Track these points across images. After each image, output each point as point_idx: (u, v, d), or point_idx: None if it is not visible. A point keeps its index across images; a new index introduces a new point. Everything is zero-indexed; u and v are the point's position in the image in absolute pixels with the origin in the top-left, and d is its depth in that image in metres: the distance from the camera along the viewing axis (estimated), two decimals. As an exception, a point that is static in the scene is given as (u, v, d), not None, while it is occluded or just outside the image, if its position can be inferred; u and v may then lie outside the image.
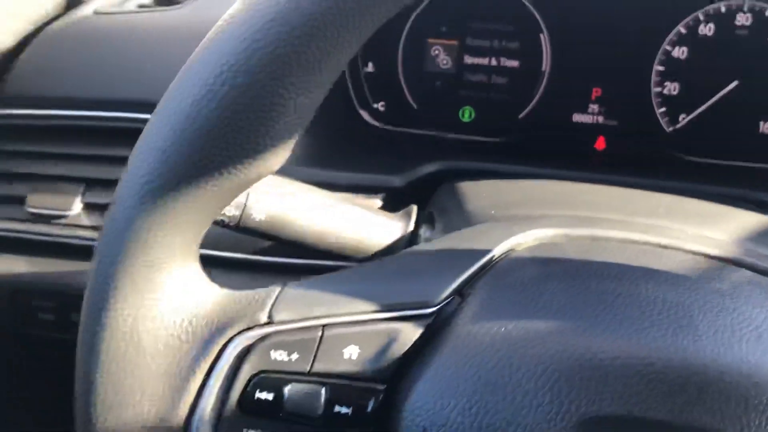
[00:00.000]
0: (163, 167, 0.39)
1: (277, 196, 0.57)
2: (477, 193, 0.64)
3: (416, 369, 0.42)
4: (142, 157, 0.39)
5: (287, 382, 0.42)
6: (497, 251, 0.47)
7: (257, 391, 0.42)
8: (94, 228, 0.71)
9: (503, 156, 0.77)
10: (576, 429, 0.38)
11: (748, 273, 0.46)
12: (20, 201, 0.72)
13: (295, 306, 0.43)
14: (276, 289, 0.44)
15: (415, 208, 0.64)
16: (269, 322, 0.43)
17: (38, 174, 0.72)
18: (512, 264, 0.46)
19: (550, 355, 0.39)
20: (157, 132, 0.39)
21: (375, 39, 0.85)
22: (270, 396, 0.42)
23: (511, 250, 0.48)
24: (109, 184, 0.71)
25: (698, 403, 0.37)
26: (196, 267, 0.43)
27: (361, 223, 0.59)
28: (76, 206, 0.71)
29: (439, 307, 0.44)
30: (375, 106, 0.85)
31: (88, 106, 0.72)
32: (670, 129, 0.82)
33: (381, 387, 0.42)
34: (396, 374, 0.43)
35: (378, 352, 0.42)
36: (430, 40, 0.84)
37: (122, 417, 0.42)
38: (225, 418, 0.42)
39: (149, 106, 0.41)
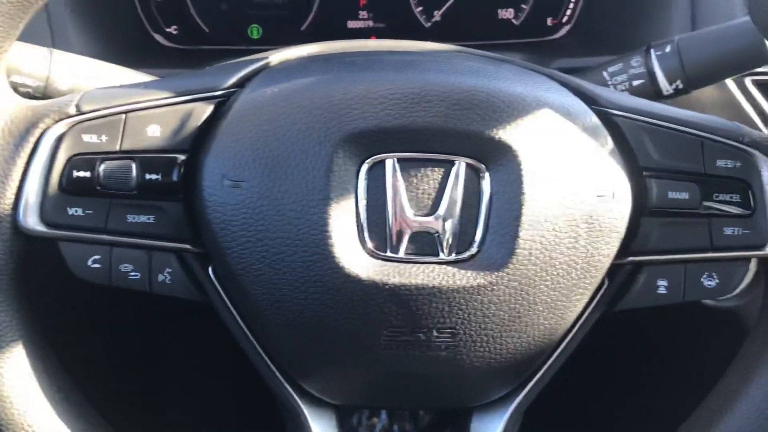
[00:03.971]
0: None
1: (80, 69, 0.63)
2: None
3: (210, 136, 0.51)
4: None
5: (101, 160, 0.49)
6: (272, 59, 0.57)
7: (74, 171, 0.49)
8: None
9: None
10: (340, 146, 0.48)
11: (466, 52, 0.60)
12: None
13: (99, 99, 0.50)
14: (81, 92, 0.51)
15: None
16: (78, 113, 0.50)
17: None
18: (283, 63, 0.56)
19: (311, 100, 0.50)
20: None
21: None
22: (87, 174, 0.49)
23: (283, 59, 0.58)
24: None
25: (428, 109, 0.49)
26: (4, 79, 0.49)
27: None
28: None
29: (225, 90, 0.52)
30: (168, 30, 0.93)
31: None
32: (428, 24, 0.96)
33: (183, 157, 0.51)
34: (194, 144, 0.51)
35: (177, 128, 0.51)
36: (211, -33, 0.93)
37: None
38: (48, 199, 0.49)
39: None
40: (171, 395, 1.06)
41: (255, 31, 0.95)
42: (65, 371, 0.53)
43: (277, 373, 0.54)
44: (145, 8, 0.91)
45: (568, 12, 0.96)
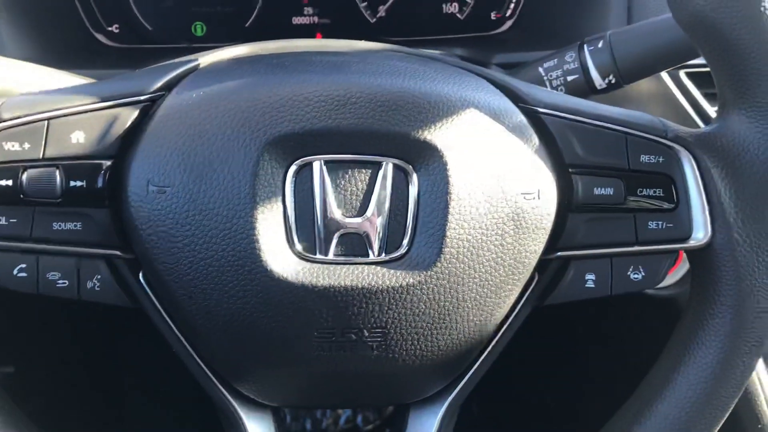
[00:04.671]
0: None
1: (11, 73, 0.62)
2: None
3: (135, 141, 0.50)
4: None
5: (23, 168, 0.49)
6: (202, 61, 0.57)
7: None
8: None
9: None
10: (266, 149, 0.48)
11: (397, 51, 0.60)
12: None
13: (21, 105, 0.50)
14: (3, 99, 0.50)
15: None
16: None
17: None
18: (212, 65, 0.56)
19: (237, 103, 0.50)
20: None
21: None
22: (9, 182, 0.48)
23: (212, 62, 0.57)
24: None
25: (354, 111, 0.49)
26: None
27: None
28: None
29: (152, 95, 0.52)
30: (110, 29, 0.91)
31: None
32: (374, 19, 0.96)
33: (108, 162, 0.50)
34: (120, 150, 0.51)
35: (101, 134, 0.50)
36: (153, -36, 0.92)
37: None
38: None
39: None
40: (111, 400, 1.05)
41: (199, 29, 0.94)
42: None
43: (212, 377, 0.54)
44: (86, 6, 0.90)
45: (512, 6, 0.97)
